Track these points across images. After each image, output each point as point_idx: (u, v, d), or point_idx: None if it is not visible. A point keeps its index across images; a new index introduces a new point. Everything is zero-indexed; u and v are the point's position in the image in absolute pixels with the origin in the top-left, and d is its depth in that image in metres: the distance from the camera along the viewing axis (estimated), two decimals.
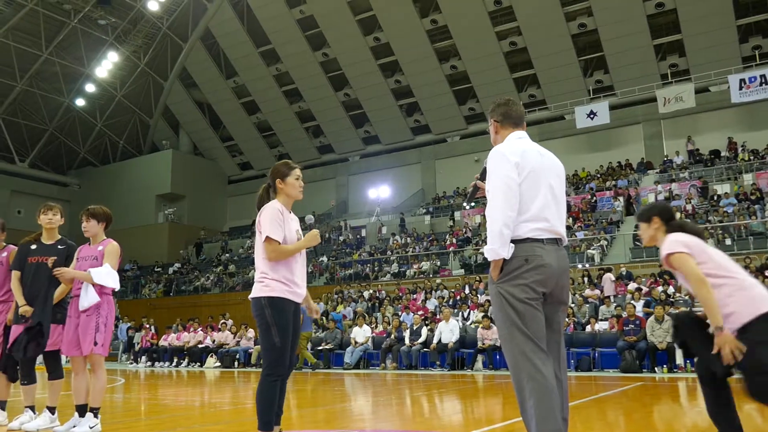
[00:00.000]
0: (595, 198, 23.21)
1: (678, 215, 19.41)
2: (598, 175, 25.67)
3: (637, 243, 19.25)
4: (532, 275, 3.00)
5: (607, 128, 26.11)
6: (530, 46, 27.27)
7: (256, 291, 3.77)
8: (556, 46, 26.77)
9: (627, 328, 12.38)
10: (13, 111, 33.90)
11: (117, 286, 5.00)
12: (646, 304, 13.59)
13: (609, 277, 16.34)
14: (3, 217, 5.91)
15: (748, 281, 3.37)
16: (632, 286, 15.50)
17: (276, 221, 3.74)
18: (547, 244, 3.05)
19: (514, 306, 3.01)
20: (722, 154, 23.97)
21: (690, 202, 20.23)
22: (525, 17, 26.63)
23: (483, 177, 3.40)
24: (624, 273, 16.91)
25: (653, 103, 24.98)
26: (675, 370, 11.63)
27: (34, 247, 5.27)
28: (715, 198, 20.53)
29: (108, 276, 4.92)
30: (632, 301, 13.58)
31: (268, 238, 3.71)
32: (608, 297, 15.03)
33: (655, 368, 11.81)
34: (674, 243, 3.56)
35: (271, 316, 3.70)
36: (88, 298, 4.86)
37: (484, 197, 3.21)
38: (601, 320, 13.93)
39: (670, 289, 14.91)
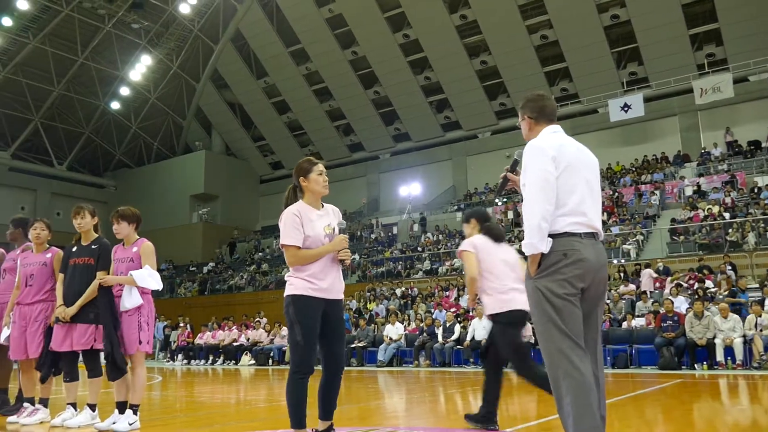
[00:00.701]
0: (639, 191, 22.77)
1: (717, 208, 19.02)
2: (633, 169, 25.24)
3: (675, 238, 18.90)
4: (570, 270, 2.96)
5: (641, 121, 25.65)
6: (562, 39, 26.92)
7: (285, 290, 3.79)
8: (588, 38, 26.38)
9: (665, 324, 12.14)
10: (51, 115, 34.69)
11: (160, 287, 5.06)
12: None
13: (649, 272, 16.00)
14: (47, 219, 6.04)
15: (507, 287, 4.71)
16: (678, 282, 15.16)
17: (292, 226, 3.72)
18: (585, 238, 3.01)
19: (551, 302, 2.97)
20: (763, 145, 23.35)
21: (729, 195, 19.76)
22: (556, 10, 26.28)
23: (513, 169, 3.37)
24: (661, 268, 16.58)
25: (689, 95, 24.45)
26: (715, 366, 11.38)
27: (74, 249, 5.38)
28: (756, 190, 20.02)
29: (150, 277, 5.00)
30: (670, 297, 13.31)
31: (283, 245, 3.73)
32: (645, 292, 14.75)
33: (695, 365, 11.57)
34: (467, 243, 4.78)
35: (294, 314, 3.68)
36: (131, 299, 4.94)
37: (514, 191, 3.20)
38: (638, 316, 13.69)
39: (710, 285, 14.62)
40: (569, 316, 2.95)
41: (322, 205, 3.93)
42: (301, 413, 3.66)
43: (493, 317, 4.73)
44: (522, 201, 3.09)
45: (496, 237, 4.87)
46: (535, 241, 2.95)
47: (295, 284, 3.72)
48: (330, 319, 3.75)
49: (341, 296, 3.86)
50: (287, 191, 3.98)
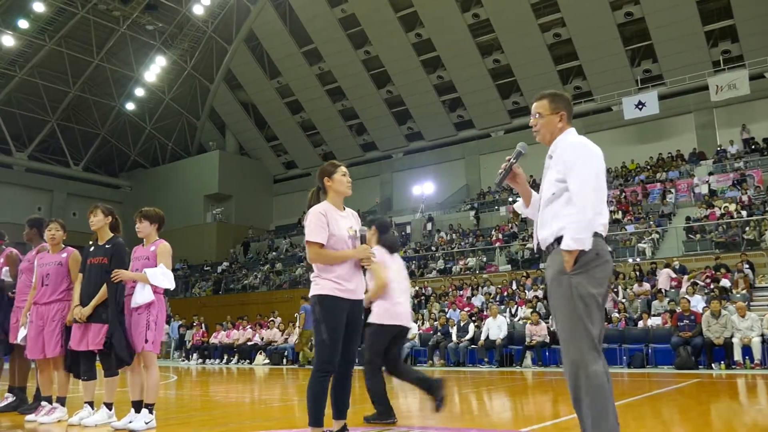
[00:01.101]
0: (646, 190, 22.64)
1: (734, 206, 18.83)
2: (648, 167, 25.06)
3: (690, 236, 18.74)
4: (602, 270, 3.02)
5: (656, 119, 25.45)
6: (575, 37, 26.76)
7: (311, 290, 3.89)
8: (602, 36, 26.21)
9: (681, 324, 12.05)
10: (67, 116, 35.03)
11: (172, 286, 5.11)
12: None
13: (668, 272, 15.84)
14: (62, 220, 6.09)
15: (395, 300, 5.15)
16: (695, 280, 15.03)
17: (317, 224, 3.81)
18: (603, 240, 3.10)
19: (584, 299, 2.99)
20: None
21: (746, 193, 19.57)
22: (569, 8, 26.13)
23: (516, 161, 3.39)
24: (677, 267, 16.44)
25: (705, 92, 24.23)
26: (733, 366, 11.28)
27: (91, 249, 5.42)
28: None
29: (163, 276, 5.03)
30: (686, 296, 13.21)
31: (308, 241, 3.82)
32: (661, 291, 14.64)
33: (712, 364, 11.48)
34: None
35: (320, 313, 3.77)
36: (143, 295, 4.98)
37: (515, 183, 3.28)
38: (654, 315, 13.59)
39: (726, 283, 14.49)
40: (596, 316, 2.99)
41: (344, 208, 4.05)
42: (321, 412, 3.73)
43: (379, 325, 5.11)
44: (514, 200, 3.19)
45: (391, 248, 5.23)
46: (585, 237, 2.97)
47: (322, 285, 3.83)
48: (350, 319, 3.86)
49: (362, 297, 4.00)
50: (310, 193, 4.08)
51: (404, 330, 5.25)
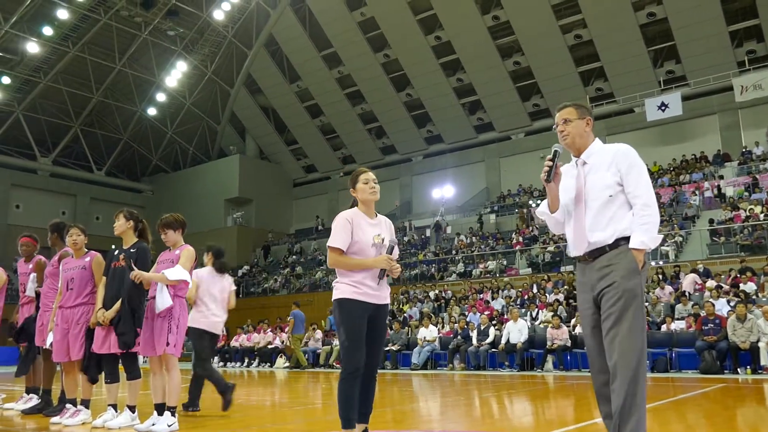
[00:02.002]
0: (676, 191, 22.36)
1: (760, 208, 18.53)
2: (671, 169, 24.76)
3: (715, 239, 18.48)
4: (646, 270, 3.25)
5: (679, 120, 25.17)
6: (596, 38, 26.56)
7: (333, 295, 3.92)
8: (624, 37, 25.98)
9: (706, 328, 11.87)
10: (90, 122, 35.50)
11: (189, 280, 5.12)
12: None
13: (694, 278, 15.57)
14: (83, 224, 6.16)
15: (212, 312, 6.37)
16: (711, 283, 14.82)
17: (341, 229, 3.85)
18: None
19: (644, 293, 3.25)
20: None
21: None
22: (590, 9, 25.95)
23: (554, 162, 3.36)
24: (701, 270, 16.20)
25: (729, 93, 23.92)
26: (759, 371, 11.08)
27: (116, 252, 5.47)
28: None
29: (179, 272, 5.03)
30: (711, 300, 13.01)
31: (328, 246, 3.86)
32: (685, 295, 14.42)
33: (738, 369, 11.28)
34: (194, 272, 5.89)
35: (339, 316, 3.82)
36: (162, 300, 5.01)
37: (556, 183, 3.30)
38: (678, 319, 13.41)
39: (751, 286, 14.25)
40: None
41: (376, 215, 4.08)
42: (352, 412, 3.75)
43: (198, 330, 6.27)
44: (538, 202, 3.28)
45: (220, 270, 6.55)
46: (656, 238, 3.18)
47: (341, 289, 3.85)
48: (373, 323, 3.88)
49: (387, 301, 3.98)
50: (353, 201, 4.16)
51: (215, 337, 6.53)
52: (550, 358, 13.61)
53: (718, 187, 21.40)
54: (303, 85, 33.78)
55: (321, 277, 26.97)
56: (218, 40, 33.65)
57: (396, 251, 3.91)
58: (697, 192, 21.60)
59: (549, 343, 13.56)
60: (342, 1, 29.76)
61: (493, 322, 15.34)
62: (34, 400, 6.72)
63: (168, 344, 5.02)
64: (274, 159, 38.27)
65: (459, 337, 15.24)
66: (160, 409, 5.06)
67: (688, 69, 25.78)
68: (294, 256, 31.91)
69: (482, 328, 14.94)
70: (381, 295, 3.90)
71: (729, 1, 24.29)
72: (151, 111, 36.32)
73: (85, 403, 5.66)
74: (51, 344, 5.81)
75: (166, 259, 5.26)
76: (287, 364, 17.77)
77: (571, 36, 27.10)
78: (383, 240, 3.94)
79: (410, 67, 30.57)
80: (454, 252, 24.33)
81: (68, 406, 5.74)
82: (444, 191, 31.52)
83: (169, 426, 4.92)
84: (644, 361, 3.08)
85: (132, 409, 5.31)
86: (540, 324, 15.04)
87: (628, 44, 26.10)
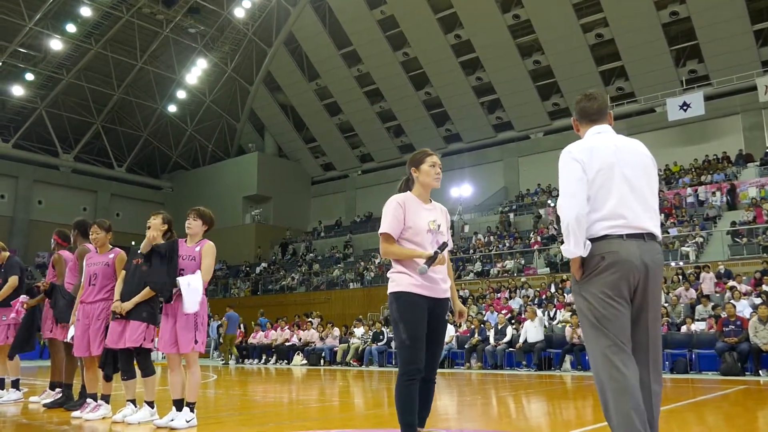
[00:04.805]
0: (696, 192, 22.10)
1: None
2: (693, 169, 24.48)
3: (737, 240, 18.25)
4: (609, 273, 2.91)
5: (701, 120, 24.88)
6: (617, 37, 26.32)
7: (388, 287, 3.62)
8: (646, 36, 25.71)
9: (727, 329, 11.74)
10: (111, 119, 35.89)
11: (195, 305, 5.05)
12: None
13: (711, 277, 15.45)
14: (106, 221, 6.22)
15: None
16: (732, 284, 14.64)
17: (392, 214, 3.57)
18: (628, 239, 2.93)
19: (593, 305, 2.94)
20: None
21: None
22: (612, 8, 25.71)
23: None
24: (722, 271, 16.02)
25: (753, 92, 23.59)
26: None
27: (140, 250, 5.49)
28: None
29: (189, 289, 5.00)
30: (732, 301, 12.86)
31: (381, 233, 3.57)
32: (706, 296, 14.27)
33: (760, 371, 11.15)
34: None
35: (398, 312, 3.50)
36: (192, 299, 4.98)
37: None
38: (698, 320, 13.27)
39: None
40: (611, 320, 2.90)
41: (431, 201, 3.80)
42: (412, 418, 3.43)
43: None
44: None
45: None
46: (571, 247, 2.94)
47: (398, 280, 3.55)
48: (433, 319, 3.57)
49: (447, 295, 3.68)
50: (400, 183, 3.84)
51: None
52: (568, 358, 13.53)
53: (732, 187, 21.16)
54: (322, 83, 33.85)
55: (338, 275, 27.03)
56: (238, 38, 33.83)
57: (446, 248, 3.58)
58: (718, 193, 21.35)
59: (568, 342, 13.47)
60: None
61: (511, 321, 15.29)
62: (56, 394, 6.81)
63: (196, 342, 5.05)
64: (292, 157, 38.41)
65: (476, 336, 15.20)
66: (179, 404, 5.10)
67: (711, 68, 25.47)
68: (312, 254, 32.01)
69: (500, 327, 14.90)
70: (442, 288, 3.60)
71: (754, 0, 23.95)
72: (171, 108, 36.62)
73: (106, 398, 5.73)
74: (72, 338, 5.89)
75: (187, 254, 5.20)
76: (305, 361, 17.86)
77: (592, 35, 26.88)
78: (439, 226, 3.66)
79: (429, 66, 30.51)
80: (471, 251, 24.25)
81: (89, 400, 5.82)
82: (462, 190, 31.43)
83: (187, 422, 4.96)
84: (608, 387, 2.84)
85: (151, 404, 5.36)
86: (558, 323, 14.97)
87: (650, 43, 25.83)
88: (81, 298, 5.85)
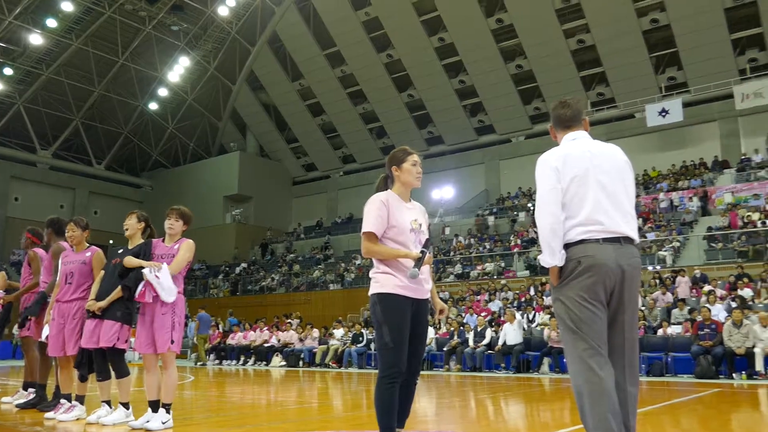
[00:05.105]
0: (670, 200, 22.40)
1: (758, 215, 18.58)
2: (670, 175, 24.80)
3: (712, 245, 18.51)
4: (585, 277, 2.95)
5: (679, 126, 25.19)
6: (599, 43, 26.59)
7: (370, 288, 3.56)
8: (626, 42, 25.99)
9: (702, 333, 11.90)
10: (91, 115, 35.48)
11: (169, 294, 5.01)
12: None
13: (686, 281, 15.67)
14: (83, 219, 6.14)
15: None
16: (707, 288, 14.85)
17: (376, 213, 3.50)
18: (605, 243, 2.97)
19: (569, 310, 2.98)
20: None
21: None
22: (594, 14, 25.97)
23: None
24: (698, 275, 16.24)
25: (730, 100, 23.94)
26: (755, 376, 11.09)
27: (120, 251, 5.44)
28: None
29: (160, 280, 4.97)
30: (707, 305, 13.04)
31: (363, 232, 3.49)
32: (682, 300, 14.47)
33: (733, 374, 11.31)
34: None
35: (381, 313, 3.45)
36: (166, 289, 4.94)
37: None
38: (674, 324, 13.44)
39: (748, 292, 14.28)
40: (588, 323, 2.94)
41: (410, 200, 3.76)
42: (392, 421, 3.41)
43: None
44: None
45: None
46: (547, 257, 3.01)
47: (383, 281, 3.49)
48: (416, 320, 3.55)
49: (428, 296, 3.66)
50: (378, 180, 3.78)
51: None
52: (546, 361, 13.62)
53: (705, 193, 21.52)
54: (305, 84, 33.78)
55: (319, 276, 26.97)
56: (222, 36, 33.65)
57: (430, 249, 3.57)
58: (695, 198, 21.66)
59: (547, 345, 13.56)
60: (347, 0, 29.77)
61: (491, 323, 15.35)
62: (29, 395, 6.72)
63: (173, 342, 5.00)
64: (274, 156, 38.28)
65: (456, 338, 15.25)
66: (155, 406, 5.05)
67: (689, 76, 25.81)
68: (292, 255, 31.91)
69: (479, 329, 14.95)
70: (425, 288, 3.58)
71: (732, 9, 24.32)
72: (153, 106, 36.32)
73: (80, 399, 5.65)
74: (47, 337, 5.81)
75: (165, 253, 5.16)
76: (283, 362, 17.79)
77: (574, 40, 27.12)
78: (420, 225, 3.64)
79: (413, 68, 30.58)
80: (452, 253, 24.33)
81: (62, 401, 5.73)
82: (443, 192, 31.53)
83: (163, 423, 4.92)
84: (585, 390, 2.88)
85: (126, 405, 5.30)
86: (537, 326, 15.06)
87: (631, 50, 26.12)
88: (57, 296, 5.76)
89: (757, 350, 11.21)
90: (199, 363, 19.06)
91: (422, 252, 3.45)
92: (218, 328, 21.18)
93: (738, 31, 24.78)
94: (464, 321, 16.08)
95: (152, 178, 39.56)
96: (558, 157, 3.06)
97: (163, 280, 4.92)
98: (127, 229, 5.39)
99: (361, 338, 16.77)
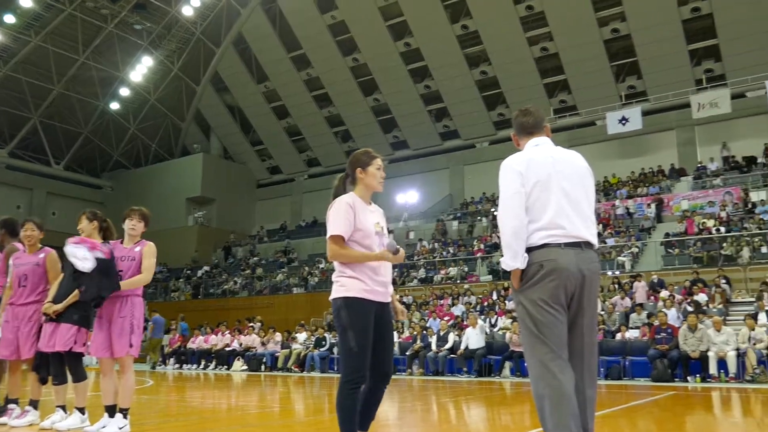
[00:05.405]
0: (626, 207, 22.88)
1: (713, 222, 19.09)
2: (630, 182, 25.32)
3: (669, 251, 18.95)
4: (547, 281, 2.99)
5: (639, 134, 25.71)
6: (562, 51, 27.02)
7: (333, 292, 3.50)
8: (588, 51, 26.47)
9: (659, 337, 12.17)
10: (49, 114, 34.63)
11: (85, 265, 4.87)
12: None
13: (642, 285, 16.04)
14: (39, 219, 6.00)
15: None
16: (665, 293, 15.20)
17: (344, 216, 3.46)
18: (566, 248, 3.02)
19: (530, 313, 3.02)
20: (758, 160, 23.46)
21: (725, 209, 19.85)
22: (557, 23, 26.39)
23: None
24: (656, 280, 16.61)
25: (687, 109, 24.52)
26: (708, 379, 11.39)
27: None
28: (750, 205, 20.11)
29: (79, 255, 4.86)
30: (664, 309, 13.34)
31: (330, 236, 3.45)
32: (640, 305, 14.78)
33: (688, 378, 11.58)
34: None
35: (347, 318, 3.40)
36: (79, 259, 4.80)
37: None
38: (632, 328, 13.72)
39: (703, 297, 14.65)
40: (549, 327, 2.98)
41: (371, 203, 3.73)
42: (353, 426, 3.40)
43: None
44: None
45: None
46: (509, 260, 3.04)
47: (348, 285, 3.45)
48: (380, 323, 3.52)
49: (390, 299, 3.65)
50: (337, 181, 3.73)
51: None
52: (507, 365, 13.77)
53: (659, 201, 22.05)
54: (270, 86, 33.57)
55: (282, 279, 26.80)
56: (186, 37, 33.23)
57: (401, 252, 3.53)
58: (653, 204, 22.15)
59: (509, 349, 13.69)
60: (313, 3, 29.68)
61: (453, 328, 15.44)
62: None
63: (131, 345, 4.92)
64: (238, 159, 37.92)
65: (419, 342, 15.30)
66: (111, 410, 4.95)
67: (648, 85, 26.40)
68: (255, 258, 31.64)
69: (442, 333, 15.03)
70: (388, 292, 3.57)
71: (690, 20, 24.97)
72: (114, 106, 35.64)
73: (34, 404, 5.52)
74: None
75: (125, 255, 5.06)
76: (245, 366, 17.61)
77: (538, 48, 27.50)
78: (382, 228, 3.62)
79: (379, 72, 30.64)
80: (416, 257, 24.42)
81: (11, 406, 5.56)
82: (408, 197, 31.63)
83: (120, 428, 4.83)
84: (545, 394, 2.91)
85: (82, 410, 5.19)
86: (499, 330, 15.21)
87: (592, 59, 26.61)
88: (10, 299, 5.61)
89: (710, 354, 11.51)
90: (151, 366, 19.05)
91: (397, 249, 3.46)
92: (179, 332, 20.88)
93: (695, 42, 25.46)
94: (427, 325, 16.15)
95: (113, 179, 38.81)
96: (521, 162, 3.11)
97: (75, 251, 4.81)
98: (82, 232, 5.29)
99: (324, 342, 16.72)
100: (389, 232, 3.58)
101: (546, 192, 3.05)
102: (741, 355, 11.44)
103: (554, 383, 2.89)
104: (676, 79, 25.29)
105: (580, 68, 27.04)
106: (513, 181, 3.06)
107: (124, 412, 4.93)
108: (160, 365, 20.23)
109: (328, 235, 3.47)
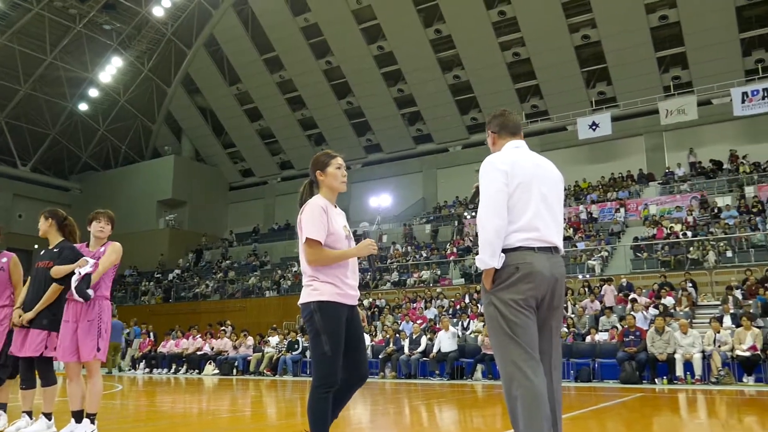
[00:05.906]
0: (589, 212, 23.24)
1: (679, 227, 19.45)
2: (600, 186, 25.69)
3: (638, 255, 19.25)
4: (522, 283, 3.02)
5: (609, 139, 26.10)
6: (533, 56, 27.31)
7: (305, 296, 3.46)
8: (559, 57, 26.81)
9: (627, 339, 12.34)
10: (16, 115, 33.95)
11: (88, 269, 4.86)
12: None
13: (611, 288, 16.31)
14: (4, 221, 5.93)
15: None
16: (633, 297, 15.43)
17: (320, 219, 3.42)
18: (539, 252, 3.06)
19: (504, 314, 3.03)
20: (724, 166, 23.98)
21: (691, 214, 20.23)
22: (529, 28, 26.68)
23: None
24: (624, 284, 16.86)
25: (655, 115, 24.98)
26: (675, 381, 11.59)
27: (42, 252, 5.25)
28: (716, 210, 20.53)
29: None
30: (633, 312, 13.54)
31: (308, 240, 3.39)
32: (609, 308, 14.98)
33: (655, 379, 11.77)
34: None
35: (320, 322, 3.37)
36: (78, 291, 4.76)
37: None
38: (602, 331, 13.89)
39: (670, 300, 14.91)
40: (522, 328, 3.00)
41: (335, 205, 3.68)
42: (326, 429, 3.37)
43: None
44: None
45: None
46: (486, 258, 3.02)
47: (321, 289, 3.41)
48: (352, 325, 3.52)
49: (356, 302, 3.64)
50: (302, 187, 3.68)
51: None
52: (479, 368, 13.84)
53: (622, 205, 22.44)
54: (243, 88, 33.36)
55: (254, 283, 26.62)
56: (157, 37, 32.86)
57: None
58: (622, 209, 22.51)
59: (480, 352, 13.77)
60: (286, 5, 29.60)
61: (426, 331, 15.49)
62: None
63: (99, 350, 4.84)
64: (210, 161, 37.59)
65: (391, 345, 15.31)
66: (78, 416, 4.87)
67: (618, 91, 26.82)
68: (227, 261, 31.38)
69: (414, 337, 15.06)
70: (356, 295, 3.56)
71: (657, 28, 25.44)
72: (83, 107, 35.07)
73: (2, 407, 5.41)
74: None
75: (93, 257, 5.04)
76: (216, 370, 17.45)
77: (510, 53, 27.77)
78: (349, 231, 3.61)
79: (352, 75, 30.64)
80: (389, 261, 24.45)
81: None
82: (381, 200, 31.66)
83: None
84: (518, 395, 2.92)
85: (48, 416, 5.10)
86: (471, 333, 15.29)
87: (563, 64, 26.94)
88: None
89: (677, 356, 11.71)
90: (113, 369, 18.63)
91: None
92: (149, 336, 20.61)
93: (663, 49, 25.95)
94: (400, 328, 16.17)
95: (81, 181, 38.17)
96: (506, 162, 3.12)
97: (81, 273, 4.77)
98: (40, 231, 5.23)
99: (296, 346, 16.64)
100: (365, 231, 3.55)
101: (527, 194, 3.07)
102: (706, 358, 11.66)
103: (527, 384, 2.91)
104: (645, 85, 25.74)
105: (551, 74, 27.36)
106: (497, 180, 3.06)
107: (92, 417, 4.85)
108: (129, 369, 19.96)
109: (303, 240, 3.42)
